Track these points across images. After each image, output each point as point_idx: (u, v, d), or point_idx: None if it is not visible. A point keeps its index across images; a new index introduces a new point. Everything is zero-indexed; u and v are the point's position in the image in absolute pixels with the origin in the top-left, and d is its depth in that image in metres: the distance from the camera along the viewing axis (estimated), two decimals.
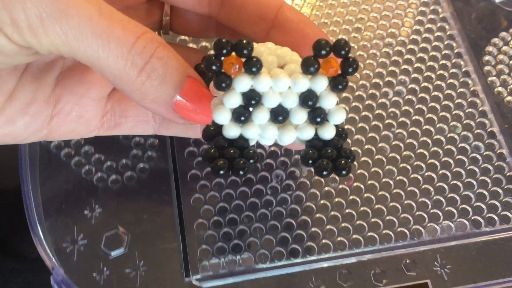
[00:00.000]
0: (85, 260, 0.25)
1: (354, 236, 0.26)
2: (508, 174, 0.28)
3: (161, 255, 0.26)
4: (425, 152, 0.28)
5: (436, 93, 0.30)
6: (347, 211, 0.27)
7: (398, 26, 0.33)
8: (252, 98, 0.18)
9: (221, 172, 0.19)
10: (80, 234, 0.26)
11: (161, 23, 0.25)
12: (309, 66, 0.18)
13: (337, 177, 0.27)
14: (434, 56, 0.32)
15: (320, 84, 0.18)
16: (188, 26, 0.25)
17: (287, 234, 0.26)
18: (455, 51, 0.32)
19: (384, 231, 0.26)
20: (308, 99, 0.19)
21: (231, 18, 0.23)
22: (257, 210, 0.27)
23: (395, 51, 0.32)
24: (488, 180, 0.28)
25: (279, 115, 0.19)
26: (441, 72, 0.31)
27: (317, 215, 0.27)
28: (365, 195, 0.27)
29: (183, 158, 0.28)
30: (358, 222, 0.27)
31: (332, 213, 0.27)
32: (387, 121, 0.29)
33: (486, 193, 0.27)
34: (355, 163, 0.28)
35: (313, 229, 0.26)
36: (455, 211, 0.27)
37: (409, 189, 0.27)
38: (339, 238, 0.26)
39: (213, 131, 0.20)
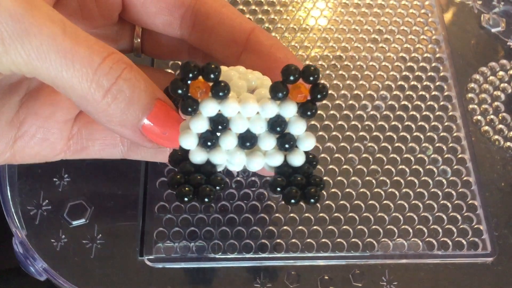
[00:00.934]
0: (46, 225, 0.26)
1: (307, 240, 0.27)
2: (470, 202, 0.28)
3: (119, 231, 0.27)
4: (392, 169, 0.29)
5: (413, 112, 0.31)
6: (305, 215, 0.27)
7: (389, 42, 0.33)
8: (219, 123, 0.18)
9: (186, 199, 0.19)
10: (46, 200, 0.27)
11: (132, 45, 0.25)
12: (277, 92, 0.18)
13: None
14: (419, 76, 0.32)
15: (289, 110, 0.18)
16: (160, 48, 0.25)
17: (244, 229, 0.27)
18: (441, 74, 0.32)
19: (338, 240, 0.27)
20: (276, 125, 0.18)
21: (202, 40, 0.23)
22: (219, 202, 0.27)
23: (381, 66, 0.32)
24: (449, 205, 0.28)
25: (247, 141, 0.19)
26: (423, 93, 0.31)
27: (276, 214, 0.27)
28: (326, 202, 0.28)
29: None
30: (314, 227, 0.27)
31: (291, 214, 0.27)
32: (360, 133, 0.30)
33: (444, 217, 0.28)
34: (321, 168, 0.28)
35: (269, 227, 0.27)
36: (410, 230, 0.27)
37: (369, 202, 0.28)
38: (293, 240, 0.27)
39: (180, 156, 0.19)
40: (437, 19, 0.34)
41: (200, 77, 0.18)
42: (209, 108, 0.18)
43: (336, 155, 0.29)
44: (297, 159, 0.19)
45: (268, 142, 0.19)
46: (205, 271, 0.26)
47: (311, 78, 0.18)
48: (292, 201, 0.19)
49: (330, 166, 0.29)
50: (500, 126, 0.31)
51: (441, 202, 0.28)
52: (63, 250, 0.26)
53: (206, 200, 0.19)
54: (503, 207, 0.29)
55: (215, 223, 0.27)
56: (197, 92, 0.17)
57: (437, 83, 0.32)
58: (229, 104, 0.18)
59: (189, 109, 0.18)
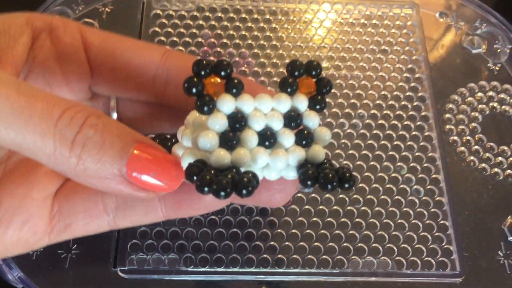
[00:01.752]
0: None
1: (279, 256, 0.27)
2: (441, 222, 0.29)
3: (94, 243, 0.27)
4: (366, 187, 0.29)
5: (390, 132, 0.31)
6: (278, 230, 0.28)
7: (369, 61, 0.34)
8: (238, 121, 0.17)
9: (223, 193, 0.15)
10: None
11: None
12: (288, 86, 0.17)
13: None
14: (397, 95, 0.32)
15: (302, 103, 0.17)
16: (138, 120, 0.23)
17: (216, 243, 0.27)
18: (419, 94, 0.33)
19: (308, 256, 0.27)
20: (293, 119, 0.17)
21: (180, 102, 0.21)
22: (193, 216, 0.28)
23: (360, 84, 0.33)
24: (420, 225, 0.29)
25: (268, 139, 0.17)
26: (400, 112, 0.32)
27: (249, 229, 0.28)
28: (299, 218, 0.28)
29: None
30: (286, 243, 0.28)
31: (264, 230, 0.28)
32: (336, 151, 0.30)
33: (415, 236, 0.28)
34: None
35: (242, 242, 0.28)
36: (381, 249, 0.28)
37: (342, 220, 0.28)
38: (264, 255, 0.27)
39: (198, 168, 0.16)
40: (418, 39, 0.34)
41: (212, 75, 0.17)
42: (228, 105, 0.17)
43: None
44: (319, 154, 0.18)
45: (288, 138, 0.17)
46: (176, 283, 0.27)
47: (314, 72, 0.17)
48: (329, 186, 0.17)
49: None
50: (476, 147, 0.32)
51: (413, 221, 0.29)
52: (39, 260, 0.27)
53: (244, 192, 0.16)
54: (475, 228, 0.29)
55: (188, 237, 0.28)
56: (213, 90, 0.16)
57: (415, 103, 0.32)
58: (246, 100, 0.17)
59: (206, 108, 0.16)
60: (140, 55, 0.21)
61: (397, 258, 0.28)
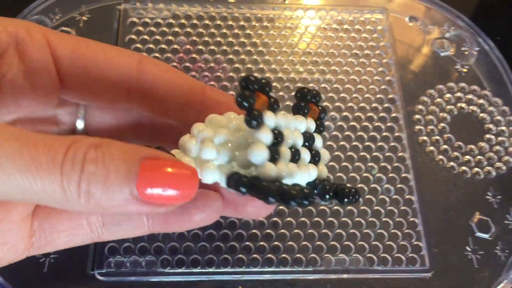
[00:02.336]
0: None
1: (253, 255, 0.28)
2: (411, 219, 0.30)
3: (72, 247, 0.28)
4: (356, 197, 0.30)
5: (361, 133, 0.32)
6: (253, 231, 0.29)
7: (340, 65, 0.35)
8: (279, 136, 0.18)
9: (304, 201, 0.16)
10: None
11: (74, 128, 0.23)
12: (302, 110, 0.19)
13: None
14: (368, 98, 0.33)
15: (312, 126, 0.19)
16: (104, 129, 0.23)
17: (192, 244, 0.28)
18: (389, 96, 0.34)
19: (282, 255, 0.28)
20: (308, 139, 0.19)
21: (155, 109, 0.22)
22: None
23: (332, 87, 0.34)
24: (391, 222, 0.30)
25: (296, 155, 0.18)
26: (371, 114, 0.33)
27: (224, 230, 0.29)
28: (273, 219, 0.29)
29: None
30: (260, 243, 0.28)
31: (239, 231, 0.29)
32: None
33: (386, 234, 0.29)
34: None
35: (217, 243, 0.28)
36: (352, 246, 0.29)
37: (314, 219, 0.29)
38: (239, 255, 0.28)
39: (247, 180, 0.17)
40: (388, 43, 0.36)
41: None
42: (272, 120, 0.17)
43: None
44: (324, 172, 0.19)
45: (307, 155, 0.19)
46: (154, 285, 0.27)
47: (314, 100, 0.19)
48: (346, 200, 0.19)
49: None
50: (445, 146, 0.33)
51: (384, 219, 0.30)
52: (18, 264, 0.27)
53: (305, 203, 0.16)
54: (444, 224, 0.30)
55: (165, 239, 0.28)
56: (262, 105, 0.17)
57: (385, 105, 0.33)
58: (282, 118, 0.18)
59: (254, 122, 0.17)
60: (113, 66, 0.21)
61: (368, 255, 0.29)
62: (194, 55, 0.34)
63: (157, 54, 0.34)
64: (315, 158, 0.19)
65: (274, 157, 0.17)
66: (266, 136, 0.17)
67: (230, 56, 0.34)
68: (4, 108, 0.20)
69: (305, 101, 0.19)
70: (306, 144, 0.19)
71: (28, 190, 0.15)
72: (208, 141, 0.18)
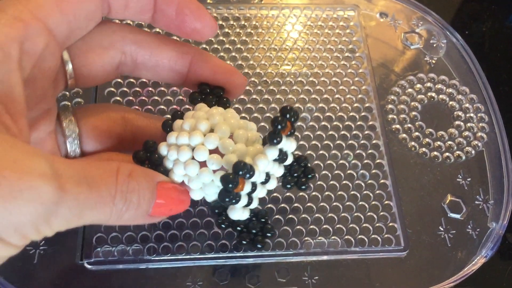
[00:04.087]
0: None
1: (235, 241, 0.29)
2: (386, 202, 0.31)
3: (61, 238, 0.29)
4: (316, 175, 0.32)
5: (336, 123, 0.34)
6: None
7: (315, 60, 0.36)
8: (252, 192, 0.24)
9: (259, 246, 0.28)
10: None
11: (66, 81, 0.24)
12: (274, 139, 0.23)
13: None
14: (343, 90, 0.35)
15: (282, 144, 0.23)
16: (92, 78, 0.25)
17: (177, 232, 0.29)
18: (363, 87, 0.35)
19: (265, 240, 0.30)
20: (283, 160, 0.24)
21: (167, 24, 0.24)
22: None
23: (308, 81, 0.35)
24: (367, 206, 0.31)
25: (266, 181, 0.24)
26: (346, 105, 0.34)
27: (208, 218, 0.30)
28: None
29: None
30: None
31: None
32: None
33: (362, 216, 0.31)
34: None
35: (201, 230, 0.29)
36: (331, 230, 0.30)
37: (294, 205, 0.31)
38: (222, 241, 0.29)
39: (228, 218, 0.25)
40: (361, 38, 0.37)
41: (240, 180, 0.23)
42: (246, 190, 0.23)
43: None
44: (289, 161, 0.25)
45: (274, 168, 0.24)
46: (141, 272, 0.28)
47: (288, 116, 0.23)
48: (303, 187, 0.28)
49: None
50: (417, 133, 0.34)
51: (360, 203, 0.31)
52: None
53: (269, 235, 0.28)
54: (417, 206, 0.32)
55: (151, 228, 0.29)
56: (239, 190, 0.23)
57: (359, 96, 0.35)
58: (254, 177, 0.23)
59: (234, 201, 0.23)
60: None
61: (346, 237, 0.30)
62: None
63: None
64: (284, 162, 0.25)
65: (247, 204, 0.24)
66: (242, 203, 0.24)
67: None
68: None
69: (278, 131, 0.23)
70: (284, 162, 0.25)
71: (93, 219, 0.19)
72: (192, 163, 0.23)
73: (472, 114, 0.35)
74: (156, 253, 0.29)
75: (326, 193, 0.31)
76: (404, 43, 0.38)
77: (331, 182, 0.32)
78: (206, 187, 0.23)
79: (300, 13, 0.38)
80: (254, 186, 0.24)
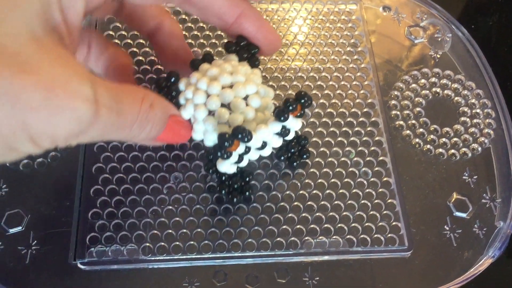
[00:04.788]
0: None
1: (234, 241, 0.28)
2: (389, 201, 0.30)
3: (54, 238, 0.28)
4: (317, 172, 0.31)
5: (338, 119, 0.33)
6: (233, 217, 0.29)
7: (316, 54, 0.35)
8: (245, 151, 0.26)
9: (235, 199, 0.29)
10: None
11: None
12: (281, 117, 0.25)
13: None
14: (344, 85, 0.34)
15: (288, 122, 0.26)
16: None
17: (173, 232, 0.28)
18: (365, 83, 0.34)
19: (263, 239, 0.29)
20: (283, 135, 0.27)
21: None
22: (150, 207, 0.29)
23: (309, 76, 0.34)
24: (369, 204, 0.30)
25: (262, 147, 0.27)
26: (347, 101, 0.33)
27: (205, 217, 0.29)
28: (253, 204, 0.30)
29: (93, 151, 0.31)
30: (241, 228, 0.29)
31: (219, 217, 0.29)
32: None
33: (364, 215, 0.30)
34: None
35: (198, 229, 0.29)
36: (332, 229, 0.29)
37: (294, 204, 0.30)
38: (220, 241, 0.28)
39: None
40: (363, 32, 0.36)
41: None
42: (239, 150, 0.26)
43: (264, 160, 0.31)
44: (290, 137, 0.27)
45: (273, 139, 0.27)
46: (137, 272, 0.27)
47: (302, 101, 0.26)
48: (295, 164, 0.31)
49: (258, 171, 0.31)
50: (421, 130, 0.33)
51: (362, 201, 0.30)
52: (0, 257, 0.27)
53: (247, 194, 0.29)
54: (422, 205, 0.31)
55: (146, 227, 0.28)
56: (232, 149, 0.25)
57: (361, 91, 0.34)
58: (252, 143, 0.26)
59: (225, 156, 0.26)
60: None
61: (348, 236, 0.29)
62: None
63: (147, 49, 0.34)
64: (285, 136, 0.27)
65: (238, 162, 0.27)
66: (234, 158, 0.26)
67: (219, 49, 0.35)
68: None
69: (287, 110, 0.25)
70: (284, 137, 0.27)
71: (117, 138, 0.22)
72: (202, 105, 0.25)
73: (478, 110, 0.34)
74: (151, 253, 0.28)
75: (327, 191, 0.30)
76: (408, 37, 0.37)
77: (333, 180, 0.31)
78: (207, 133, 0.26)
79: (300, 7, 0.37)
80: (248, 149, 0.26)
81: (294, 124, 0.27)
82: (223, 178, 0.29)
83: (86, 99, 0.19)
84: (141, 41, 0.35)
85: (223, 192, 0.29)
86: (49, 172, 0.30)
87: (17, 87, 0.17)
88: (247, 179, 0.29)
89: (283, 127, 0.26)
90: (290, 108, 0.25)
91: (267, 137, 0.26)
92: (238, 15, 0.26)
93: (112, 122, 0.20)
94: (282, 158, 0.30)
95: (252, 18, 0.27)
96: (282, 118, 0.25)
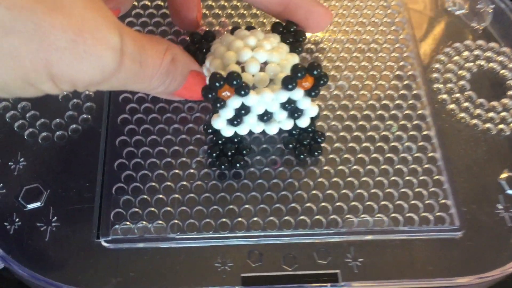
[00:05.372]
0: (0, 209, 0.26)
1: (270, 218, 0.26)
2: (436, 177, 0.28)
3: (75, 214, 0.26)
4: (356, 147, 0.28)
5: (377, 92, 0.30)
6: (268, 193, 0.27)
7: (351, 25, 0.33)
8: (241, 110, 0.25)
9: (223, 167, 0.27)
10: (0, 184, 0.26)
11: None
12: (287, 85, 0.24)
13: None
14: (382, 57, 0.32)
15: (296, 95, 0.25)
16: None
17: (204, 208, 0.26)
18: (404, 54, 0.32)
19: (301, 217, 0.26)
20: (286, 104, 0.25)
21: None
22: (179, 182, 0.27)
23: (345, 48, 0.32)
24: (414, 181, 0.28)
25: (264, 116, 0.26)
26: (386, 73, 0.31)
27: (237, 193, 0.27)
28: (289, 180, 0.27)
29: (116, 124, 0.28)
30: (276, 205, 0.27)
31: (253, 193, 0.27)
32: (324, 113, 0.29)
33: (410, 192, 0.27)
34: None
35: (230, 206, 0.26)
36: (375, 206, 0.27)
37: (333, 179, 0.27)
38: (254, 219, 0.26)
39: (214, 127, 0.26)
40: (400, 2, 0.34)
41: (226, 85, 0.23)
42: (234, 103, 0.24)
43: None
44: (303, 122, 0.27)
45: (280, 115, 0.26)
46: (164, 251, 0.25)
47: (315, 72, 0.24)
48: (301, 156, 0.27)
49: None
50: (466, 104, 0.31)
51: (406, 178, 0.28)
52: (17, 233, 0.25)
53: (238, 166, 0.27)
54: (471, 183, 0.28)
55: (174, 203, 0.26)
56: (223, 96, 0.24)
57: (401, 63, 0.32)
58: (249, 98, 0.24)
59: (218, 105, 0.24)
60: None
61: (393, 215, 0.27)
62: None
63: (159, 19, 0.32)
64: (295, 113, 0.27)
65: (233, 123, 0.26)
66: (225, 113, 0.25)
67: (236, 19, 0.33)
68: None
69: (295, 78, 0.24)
70: (287, 107, 0.26)
71: (138, 88, 0.23)
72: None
73: None
74: (180, 231, 0.26)
75: (368, 167, 0.28)
76: (448, 8, 0.35)
77: (374, 155, 0.28)
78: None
79: None
80: (246, 109, 0.25)
81: (305, 103, 0.25)
82: (220, 142, 0.27)
83: (113, 48, 0.19)
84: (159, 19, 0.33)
85: (214, 155, 0.27)
86: (70, 145, 0.28)
87: (47, 25, 0.17)
88: (244, 151, 0.27)
89: (290, 100, 0.25)
90: (299, 74, 0.24)
91: (270, 105, 0.25)
92: (287, 4, 0.27)
93: (134, 73, 0.20)
94: (291, 146, 0.28)
95: (302, 7, 0.27)
96: (290, 86, 0.24)
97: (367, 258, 0.26)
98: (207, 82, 0.24)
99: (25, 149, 0.27)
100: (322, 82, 0.25)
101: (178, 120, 0.29)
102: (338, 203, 0.27)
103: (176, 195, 0.26)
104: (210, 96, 0.24)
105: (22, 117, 0.28)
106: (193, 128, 0.29)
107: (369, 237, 0.26)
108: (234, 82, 0.23)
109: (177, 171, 0.27)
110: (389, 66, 0.32)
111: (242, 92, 0.23)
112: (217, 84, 0.23)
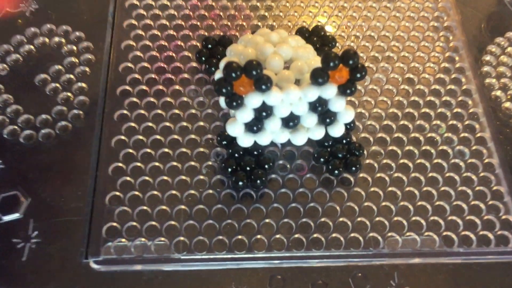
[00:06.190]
0: None
1: (295, 236, 0.22)
2: (494, 188, 0.23)
3: (60, 229, 0.21)
4: (398, 151, 0.24)
5: (421, 86, 0.26)
6: (293, 205, 0.22)
7: (389, 11, 0.29)
8: (263, 112, 0.20)
9: (240, 183, 0.22)
10: None
11: None
12: (318, 78, 0.20)
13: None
14: (425, 46, 0.27)
15: (329, 92, 0.20)
16: None
17: (215, 223, 0.22)
18: (451, 44, 0.27)
19: (333, 235, 0.22)
20: (317, 105, 0.21)
21: None
22: (186, 190, 0.22)
23: (381, 35, 0.28)
24: (470, 192, 0.23)
25: (290, 122, 0.21)
26: (431, 65, 0.27)
27: (256, 205, 0.22)
28: (318, 189, 0.23)
29: (112, 121, 0.24)
30: (303, 220, 0.22)
31: (275, 205, 0.22)
32: (358, 110, 0.25)
33: (465, 206, 0.23)
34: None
35: (248, 220, 0.22)
36: (423, 223, 0.22)
37: (371, 189, 0.23)
38: (276, 236, 0.21)
39: (229, 137, 0.22)
40: None
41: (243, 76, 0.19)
42: (254, 101, 0.20)
43: None
44: (337, 131, 0.22)
45: (309, 120, 0.21)
46: (167, 275, 0.21)
47: (351, 62, 0.19)
48: (336, 172, 0.22)
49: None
50: None
51: (459, 188, 0.23)
52: None
53: (258, 182, 0.22)
54: None
55: (180, 216, 0.22)
56: (240, 90, 0.19)
57: (447, 54, 0.27)
58: (272, 95, 0.20)
59: (234, 103, 0.20)
60: None
61: (445, 233, 0.22)
62: (209, 2, 0.28)
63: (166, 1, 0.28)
64: (328, 119, 0.22)
65: (252, 129, 0.21)
66: (242, 115, 0.20)
67: (254, 3, 0.28)
68: None
69: (326, 69, 0.19)
70: (319, 109, 0.21)
71: None
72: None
73: None
74: (187, 251, 0.21)
75: (413, 174, 0.23)
76: None
77: (419, 161, 0.24)
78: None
79: None
80: (267, 110, 0.20)
81: (339, 104, 0.21)
82: (236, 155, 0.22)
83: None
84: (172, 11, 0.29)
85: (229, 170, 0.22)
86: (57, 145, 0.24)
87: None
88: (266, 166, 0.22)
89: (321, 100, 0.20)
90: (331, 64, 0.19)
91: (297, 107, 0.20)
92: None
93: None
94: (322, 160, 0.23)
95: None
96: (320, 80, 0.19)
97: (414, 286, 0.21)
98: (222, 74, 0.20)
99: (3, 149, 0.23)
100: (359, 75, 0.20)
101: (185, 117, 0.24)
102: (377, 218, 0.22)
103: (183, 207, 0.22)
104: (224, 90, 0.19)
105: (2, 112, 0.24)
106: (204, 127, 0.24)
107: (417, 260, 0.21)
108: (254, 72, 0.19)
109: (184, 177, 0.23)
110: (434, 57, 0.27)
111: (263, 87, 0.19)
112: (233, 74, 0.19)
